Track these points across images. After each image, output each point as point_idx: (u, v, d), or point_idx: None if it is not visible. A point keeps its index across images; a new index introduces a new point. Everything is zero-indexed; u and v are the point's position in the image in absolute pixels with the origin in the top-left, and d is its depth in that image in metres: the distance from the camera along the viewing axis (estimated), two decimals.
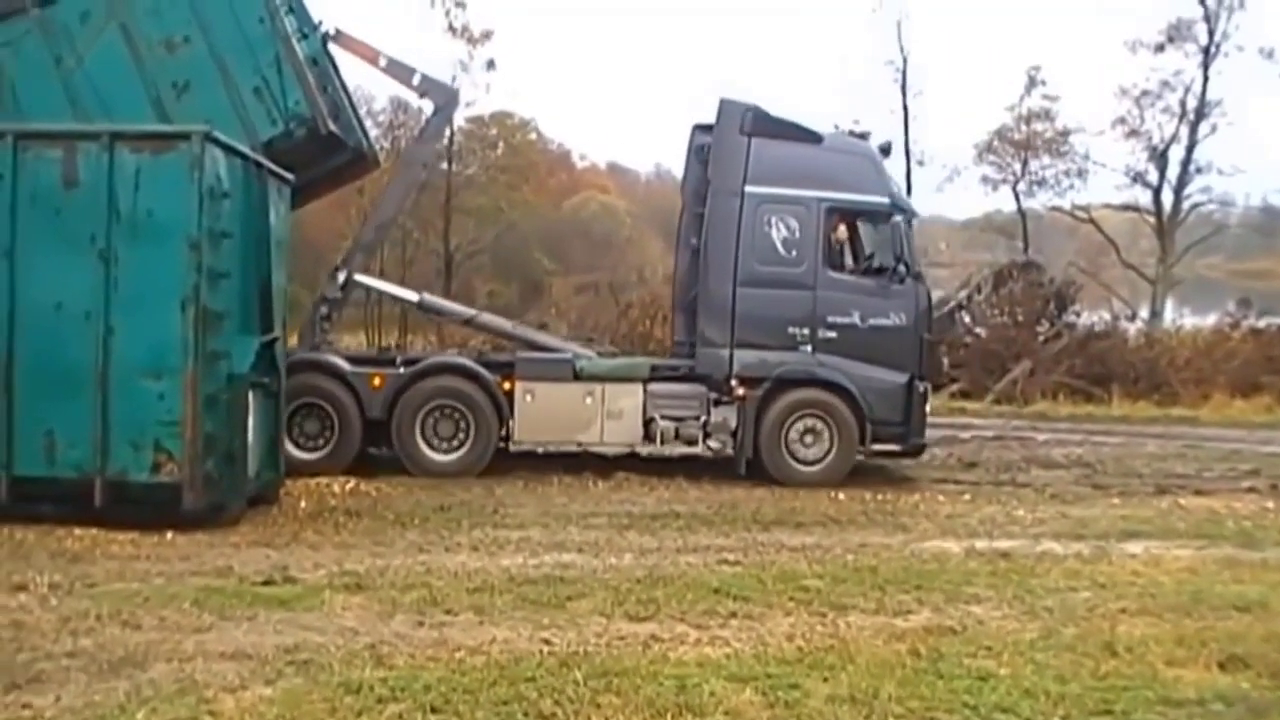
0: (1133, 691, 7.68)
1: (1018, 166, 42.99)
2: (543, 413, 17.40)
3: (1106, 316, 35.21)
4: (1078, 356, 31.43)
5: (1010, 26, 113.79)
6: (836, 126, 19.40)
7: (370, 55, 18.84)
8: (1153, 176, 40.47)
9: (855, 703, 7.34)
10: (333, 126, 17.18)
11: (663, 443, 17.47)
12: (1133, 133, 40.59)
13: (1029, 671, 8.05)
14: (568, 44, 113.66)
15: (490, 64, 37.08)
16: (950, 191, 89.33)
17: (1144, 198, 41.33)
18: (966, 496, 16.32)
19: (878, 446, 17.67)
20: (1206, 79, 39.04)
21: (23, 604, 9.47)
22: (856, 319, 17.42)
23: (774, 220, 17.47)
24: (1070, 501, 16.11)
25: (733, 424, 17.44)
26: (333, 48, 18.38)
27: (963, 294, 34.57)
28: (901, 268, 17.47)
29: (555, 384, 17.46)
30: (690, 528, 13.69)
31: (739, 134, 17.70)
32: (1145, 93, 40.13)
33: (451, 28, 36.42)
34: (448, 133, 36.23)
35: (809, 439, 17.34)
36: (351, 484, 15.90)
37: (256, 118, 16.30)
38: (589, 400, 17.40)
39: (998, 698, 7.51)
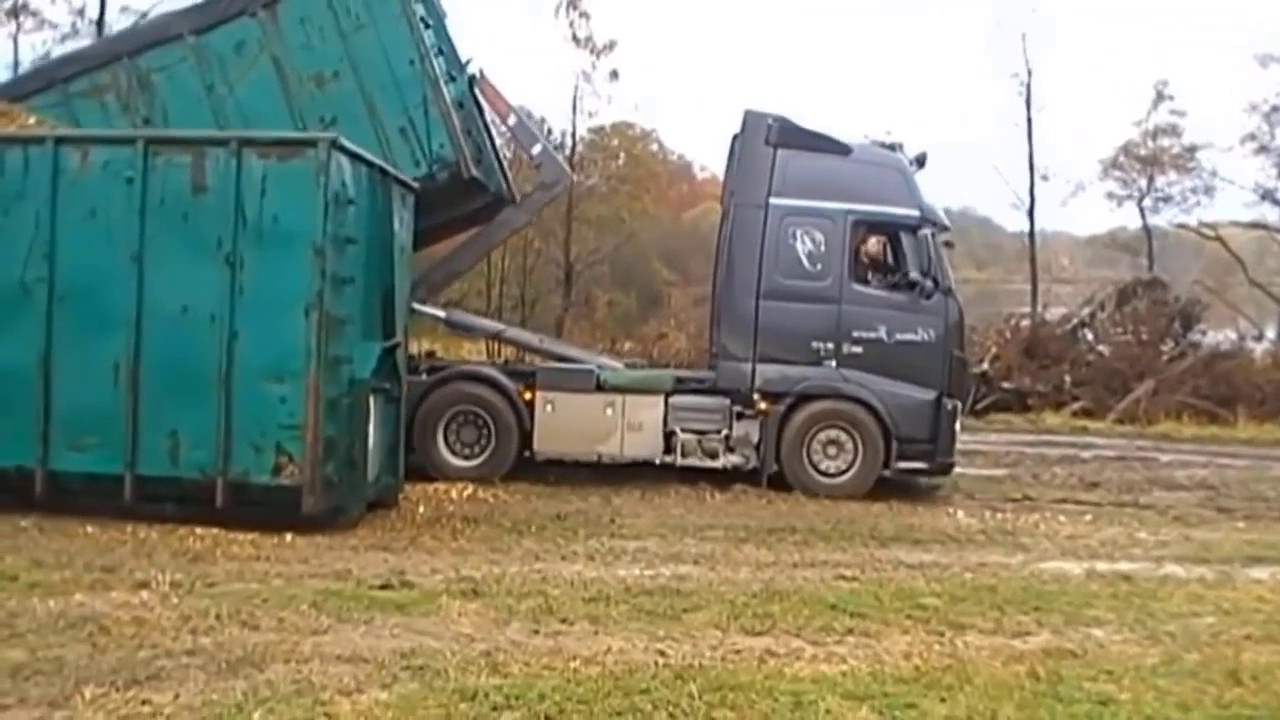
0: None
1: (1143, 182, 42.50)
2: (562, 422, 17.32)
3: (1233, 336, 34.64)
4: (1202, 376, 30.89)
5: (1138, 40, 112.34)
6: (866, 136, 19.07)
7: (503, 110, 19.02)
8: None
9: None
10: (475, 171, 17.36)
11: (684, 455, 17.29)
12: (1262, 149, 39.88)
13: (1150, 698, 7.91)
14: (692, 55, 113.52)
15: (614, 74, 37.10)
16: (1074, 207, 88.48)
17: (1273, 215, 40.60)
18: (1088, 517, 16.04)
19: (903, 465, 17.30)
20: None
21: (144, 601, 9.60)
22: (883, 334, 17.14)
23: (799, 233, 17.25)
24: (1194, 524, 15.81)
25: (755, 438, 17.27)
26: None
27: (1086, 311, 34.15)
28: (930, 282, 17.13)
29: (576, 394, 17.37)
30: (807, 542, 13.61)
31: (764, 145, 17.51)
32: (1275, 108, 39.43)
33: (575, 38, 36.51)
34: (567, 150, 36.49)
35: (832, 450, 17.11)
36: (469, 490, 15.94)
37: (401, 158, 16.41)
38: (609, 411, 17.30)
39: None
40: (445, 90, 17.10)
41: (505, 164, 19.62)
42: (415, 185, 15.38)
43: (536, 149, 19.44)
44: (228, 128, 16.19)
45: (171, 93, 16.82)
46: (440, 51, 17.59)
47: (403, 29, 16.81)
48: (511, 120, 19.13)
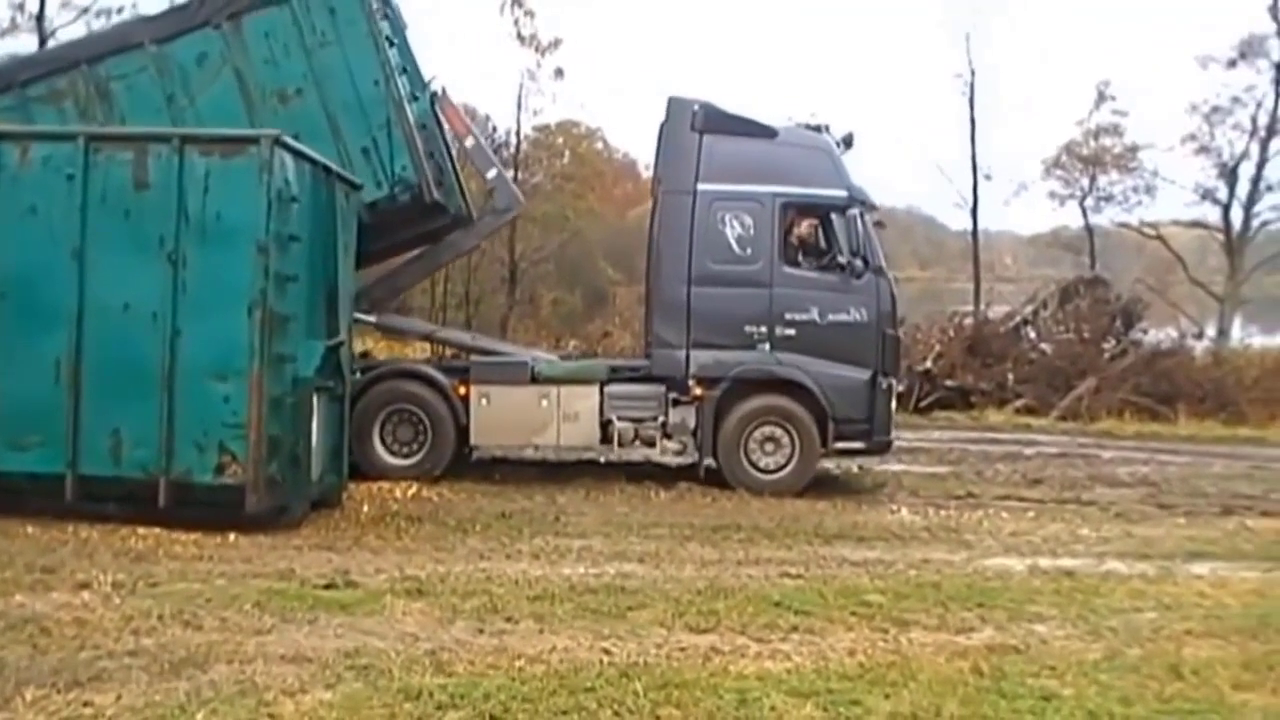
0: (1199, 715, 7.60)
1: (1085, 182, 42.99)
2: (498, 416, 17.27)
3: (1173, 334, 34.83)
4: (1144, 374, 31.06)
5: (1081, 41, 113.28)
6: (792, 120, 19.00)
7: (462, 130, 18.88)
8: (1222, 193, 40.15)
9: None
10: (436, 195, 17.26)
11: (621, 445, 17.30)
12: (1202, 149, 40.36)
13: (1093, 693, 7.96)
14: (639, 54, 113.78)
15: (558, 73, 37.00)
16: (1017, 206, 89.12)
17: (1213, 215, 41.02)
18: (1030, 514, 16.11)
19: (841, 445, 17.36)
20: (1278, 95, 38.70)
21: (86, 602, 9.54)
22: (815, 315, 17.12)
23: (728, 217, 17.22)
24: (1135, 521, 15.89)
25: (691, 424, 17.27)
26: None
27: (1028, 309, 34.32)
28: (860, 262, 17.12)
29: (511, 387, 17.32)
30: (752, 540, 13.61)
31: (690, 131, 17.47)
32: (1216, 109, 39.88)
33: (520, 36, 36.38)
34: (511, 148, 36.43)
35: (769, 446, 17.13)
36: (414, 489, 15.93)
37: (363, 178, 16.34)
38: (544, 403, 17.25)
39: (1061, 719, 7.44)
40: (409, 111, 16.99)
41: (464, 185, 19.51)
42: (360, 183, 15.37)
43: (492, 173, 19.27)
44: None
45: (131, 102, 16.64)
46: (404, 70, 17.45)
47: (368, 48, 16.70)
48: (470, 142, 18.99)
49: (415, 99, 17.49)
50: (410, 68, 17.79)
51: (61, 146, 13.06)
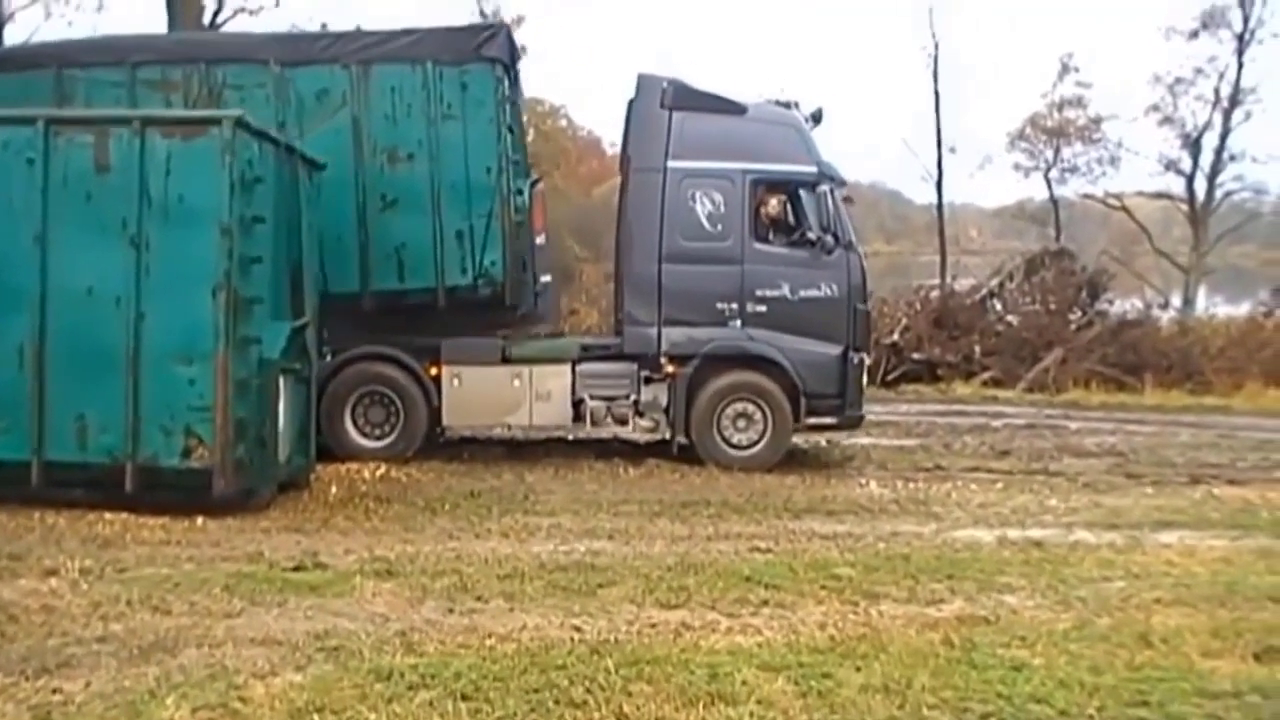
0: (1168, 683, 7.61)
1: (1050, 154, 43.20)
2: (470, 396, 17.19)
3: (1139, 305, 35.00)
4: (1110, 345, 31.17)
5: (1044, 13, 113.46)
6: (762, 96, 18.95)
7: (539, 228, 18.31)
8: (1186, 164, 40.50)
9: (888, 692, 7.30)
10: (513, 298, 17.14)
11: (594, 423, 17.30)
12: (1166, 120, 40.68)
13: (1063, 662, 7.99)
14: (600, 31, 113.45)
15: (521, 50, 36.87)
16: (982, 179, 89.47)
17: (1177, 185, 41.36)
18: (999, 485, 16.16)
19: (813, 421, 17.36)
20: (1241, 66, 39.06)
21: (53, 589, 9.51)
22: (786, 291, 17.12)
23: (698, 195, 17.16)
24: (1103, 491, 15.96)
25: (664, 402, 17.24)
26: None
27: (994, 281, 34.39)
28: (831, 238, 17.11)
29: (482, 367, 17.22)
30: (721, 515, 13.62)
31: (659, 108, 17.40)
32: (1179, 80, 40.19)
33: (482, 13, 36.33)
34: None
35: (742, 423, 17.14)
36: (382, 470, 15.87)
37: (449, 261, 16.43)
38: (517, 383, 17.16)
39: (1031, 688, 7.45)
40: (511, 205, 16.81)
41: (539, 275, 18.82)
42: (323, 163, 15.26)
43: (546, 279, 18.89)
44: None
45: None
46: (515, 162, 17.27)
47: (490, 133, 16.58)
48: (540, 240, 18.47)
49: (519, 193, 17.26)
50: (520, 159, 17.71)
51: (21, 130, 12.90)
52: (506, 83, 16.94)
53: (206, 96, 16.47)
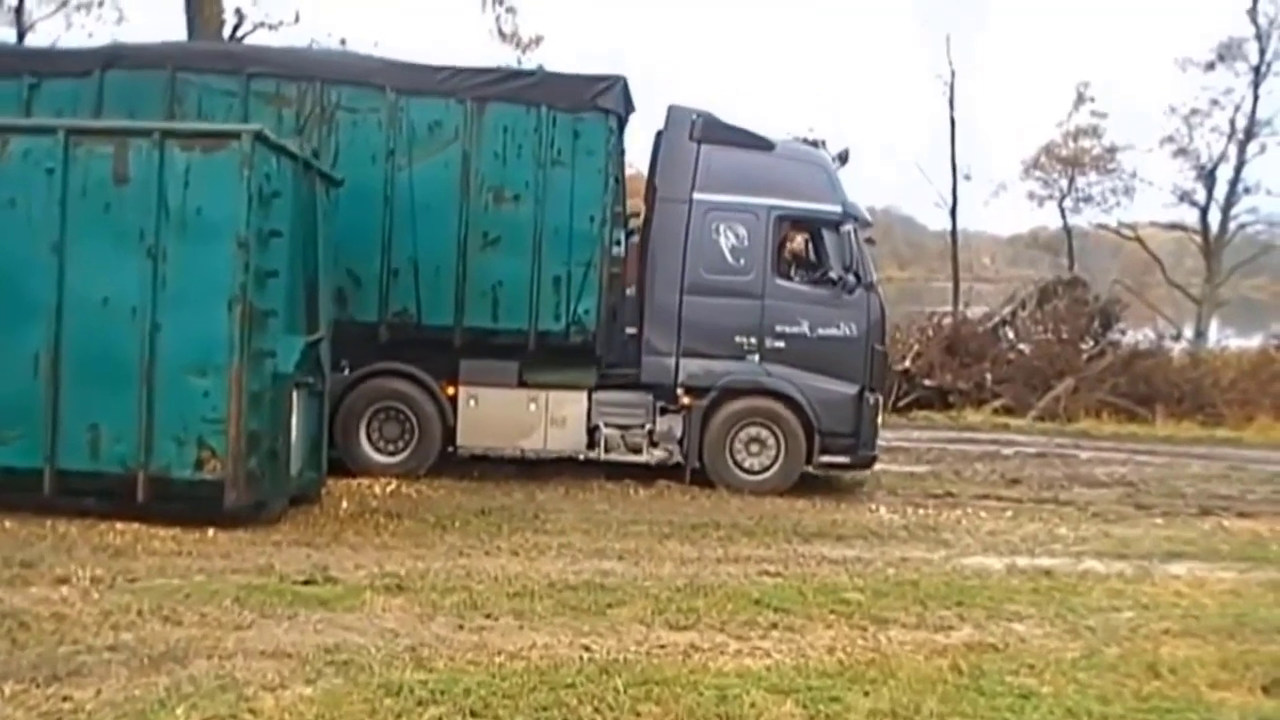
0: (1176, 714, 7.64)
1: (1064, 183, 43.18)
2: (485, 417, 17.20)
3: (1151, 335, 34.93)
4: (1122, 375, 31.14)
5: (1060, 42, 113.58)
6: (788, 133, 18.95)
7: (628, 281, 18.05)
8: (1200, 196, 40.30)
9: (896, 718, 7.36)
10: (602, 349, 17.21)
11: (607, 450, 17.29)
12: (1181, 151, 40.50)
13: (1071, 691, 8.01)
14: (619, 52, 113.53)
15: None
16: (996, 207, 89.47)
17: (1191, 217, 41.20)
18: (1008, 513, 16.19)
19: (826, 459, 17.35)
20: (1257, 98, 38.85)
21: (65, 597, 9.53)
22: (805, 329, 17.17)
23: (722, 228, 17.23)
24: (1113, 520, 15.97)
25: (678, 433, 17.27)
26: None
27: (1007, 309, 34.38)
28: (852, 278, 17.17)
29: (499, 389, 17.23)
30: (731, 538, 13.64)
31: (688, 140, 17.44)
32: (1194, 111, 39.99)
33: (501, 33, 36.28)
34: None
35: (755, 447, 17.15)
36: (393, 485, 15.89)
37: (543, 306, 16.51)
38: (533, 406, 17.18)
39: (1040, 716, 7.48)
40: (611, 256, 16.90)
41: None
42: (340, 179, 15.29)
43: (631, 330, 18.15)
44: (393, 197, 16.42)
45: (351, 137, 16.56)
46: (617, 213, 17.35)
47: (598, 183, 16.58)
48: (630, 291, 18.12)
49: (618, 244, 17.34)
50: (621, 210, 17.75)
51: (41, 140, 12.93)
52: (618, 134, 16.98)
53: (319, 115, 16.55)
